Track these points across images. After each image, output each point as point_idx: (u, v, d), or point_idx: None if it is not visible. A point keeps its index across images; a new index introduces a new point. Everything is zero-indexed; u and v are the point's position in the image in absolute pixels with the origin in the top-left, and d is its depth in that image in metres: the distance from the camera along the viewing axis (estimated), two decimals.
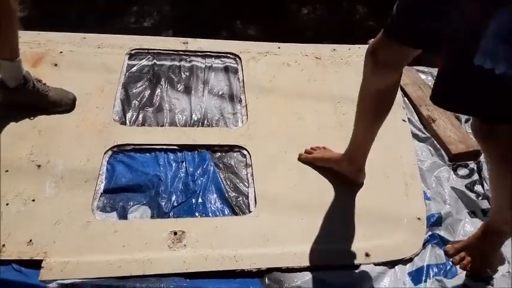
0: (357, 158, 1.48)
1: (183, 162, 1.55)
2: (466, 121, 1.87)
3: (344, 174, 1.52)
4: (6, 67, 1.52)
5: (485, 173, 1.66)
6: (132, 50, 1.94)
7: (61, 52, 1.87)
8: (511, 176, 1.15)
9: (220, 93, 1.85)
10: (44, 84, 1.62)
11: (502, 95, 0.93)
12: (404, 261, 1.36)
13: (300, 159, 1.60)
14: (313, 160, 1.58)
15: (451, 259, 1.38)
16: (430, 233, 1.45)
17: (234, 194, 1.49)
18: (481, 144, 1.19)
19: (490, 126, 1.09)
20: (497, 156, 1.15)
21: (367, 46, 1.22)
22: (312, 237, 1.38)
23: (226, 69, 1.95)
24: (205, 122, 1.72)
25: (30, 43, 1.86)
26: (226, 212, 1.44)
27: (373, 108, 1.31)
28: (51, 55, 1.85)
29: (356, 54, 2.05)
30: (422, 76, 2.05)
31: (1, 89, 1.56)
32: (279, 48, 2.06)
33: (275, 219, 1.40)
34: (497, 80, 0.88)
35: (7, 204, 1.34)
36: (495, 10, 0.83)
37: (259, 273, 1.27)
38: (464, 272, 1.36)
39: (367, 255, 1.35)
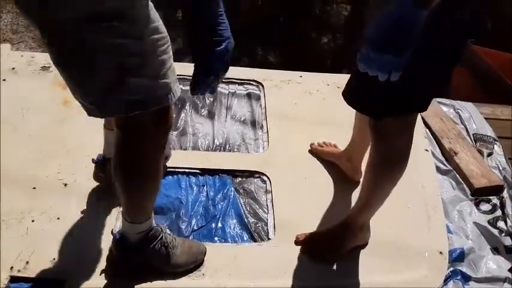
0: (354, 157, 1.57)
1: (204, 186, 1.57)
2: (489, 155, 1.86)
3: (343, 170, 1.62)
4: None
5: (509, 209, 1.63)
6: None
7: None
8: (385, 179, 1.23)
9: (242, 119, 1.88)
10: (174, 238, 1.25)
11: (386, 94, 1.00)
12: None
13: (311, 148, 1.72)
14: (320, 152, 1.70)
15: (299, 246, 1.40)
16: (451, 268, 1.42)
17: (253, 220, 1.50)
18: (372, 142, 1.21)
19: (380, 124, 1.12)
20: (380, 156, 1.19)
21: None
22: (328, 270, 1.36)
23: (249, 96, 1.98)
24: (227, 147, 1.75)
25: None
26: (245, 238, 1.45)
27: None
28: None
29: None
30: (444, 108, 2.04)
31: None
32: (301, 77, 2.09)
33: (294, 250, 1.40)
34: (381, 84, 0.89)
35: (33, 221, 1.37)
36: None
37: None
38: None
39: None
